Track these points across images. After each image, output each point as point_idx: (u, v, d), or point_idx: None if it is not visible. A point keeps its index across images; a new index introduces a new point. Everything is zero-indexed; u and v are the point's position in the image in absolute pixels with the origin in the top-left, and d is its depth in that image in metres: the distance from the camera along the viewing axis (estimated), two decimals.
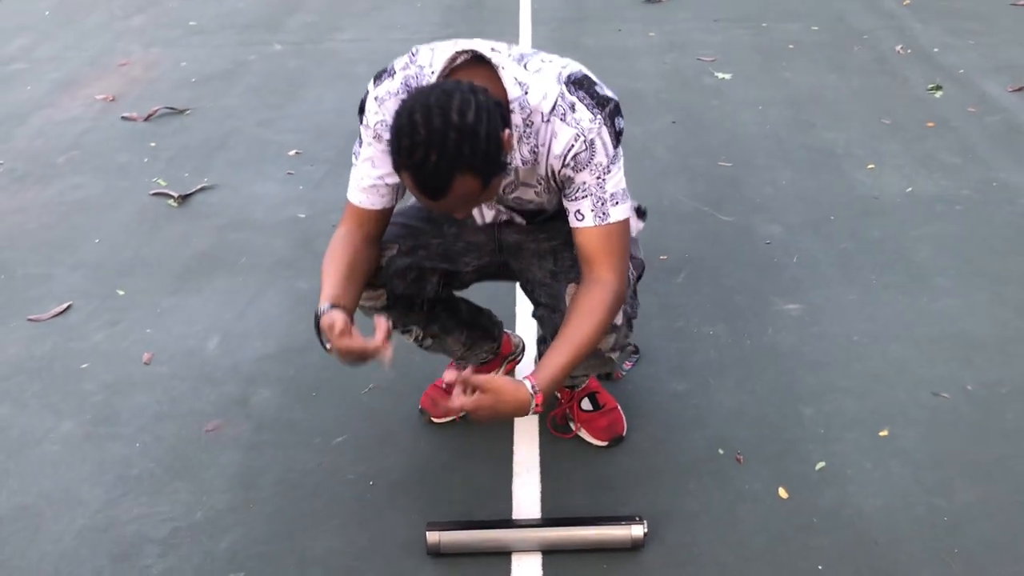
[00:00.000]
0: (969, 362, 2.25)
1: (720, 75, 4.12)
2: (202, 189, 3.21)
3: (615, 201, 1.56)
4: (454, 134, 1.30)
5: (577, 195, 1.56)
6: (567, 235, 1.65)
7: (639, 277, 1.80)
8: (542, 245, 1.76)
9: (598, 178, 1.54)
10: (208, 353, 2.37)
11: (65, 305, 2.57)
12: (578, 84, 1.51)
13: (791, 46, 4.46)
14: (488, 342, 2.09)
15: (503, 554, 1.75)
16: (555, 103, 1.49)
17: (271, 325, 2.48)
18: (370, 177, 1.64)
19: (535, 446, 2.03)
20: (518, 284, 1.93)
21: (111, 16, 5.05)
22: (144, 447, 2.05)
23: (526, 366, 2.24)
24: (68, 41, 4.67)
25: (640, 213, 1.87)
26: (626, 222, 1.59)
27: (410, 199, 1.79)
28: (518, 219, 1.75)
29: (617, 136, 1.54)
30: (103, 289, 2.65)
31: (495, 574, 1.72)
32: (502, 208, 1.72)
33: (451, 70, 1.49)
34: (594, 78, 1.55)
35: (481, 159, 1.34)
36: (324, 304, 1.56)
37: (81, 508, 1.89)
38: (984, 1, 5.07)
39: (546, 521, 1.83)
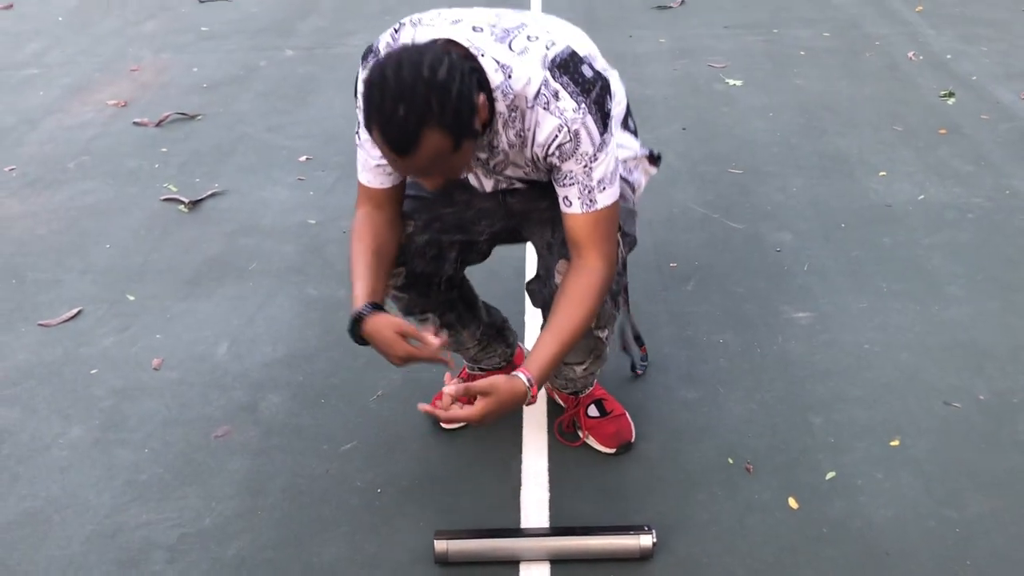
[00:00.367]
0: (981, 371, 2.23)
1: (731, 81, 4.11)
2: (212, 195, 3.21)
3: (603, 187, 1.54)
4: (423, 87, 1.29)
5: (565, 182, 1.55)
6: None
7: (629, 251, 1.78)
8: (544, 214, 1.74)
9: (585, 167, 1.52)
10: (217, 359, 2.37)
11: (75, 310, 2.58)
12: (563, 67, 1.47)
13: (802, 52, 4.45)
14: (502, 345, 2.09)
15: (511, 563, 1.74)
16: (539, 90, 1.46)
17: (280, 331, 2.48)
18: (372, 159, 1.64)
19: (543, 454, 2.02)
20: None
21: (124, 22, 5.07)
22: (153, 452, 2.05)
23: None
24: (80, 46, 4.69)
25: (653, 159, 1.87)
26: (614, 205, 1.58)
27: None
28: (519, 185, 1.73)
29: (604, 119, 1.51)
30: (113, 294, 2.66)
31: None
32: (501, 178, 1.70)
33: None
34: (582, 54, 1.50)
35: (451, 116, 1.32)
36: (364, 305, 1.59)
37: (89, 513, 1.89)
38: (997, 8, 5.05)
39: (554, 530, 1.82)
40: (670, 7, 5.15)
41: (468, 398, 1.54)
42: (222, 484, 1.96)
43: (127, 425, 2.14)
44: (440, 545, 1.73)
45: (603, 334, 1.81)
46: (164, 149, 3.57)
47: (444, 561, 1.73)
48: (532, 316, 2.45)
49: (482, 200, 1.78)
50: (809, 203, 3.07)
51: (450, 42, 1.44)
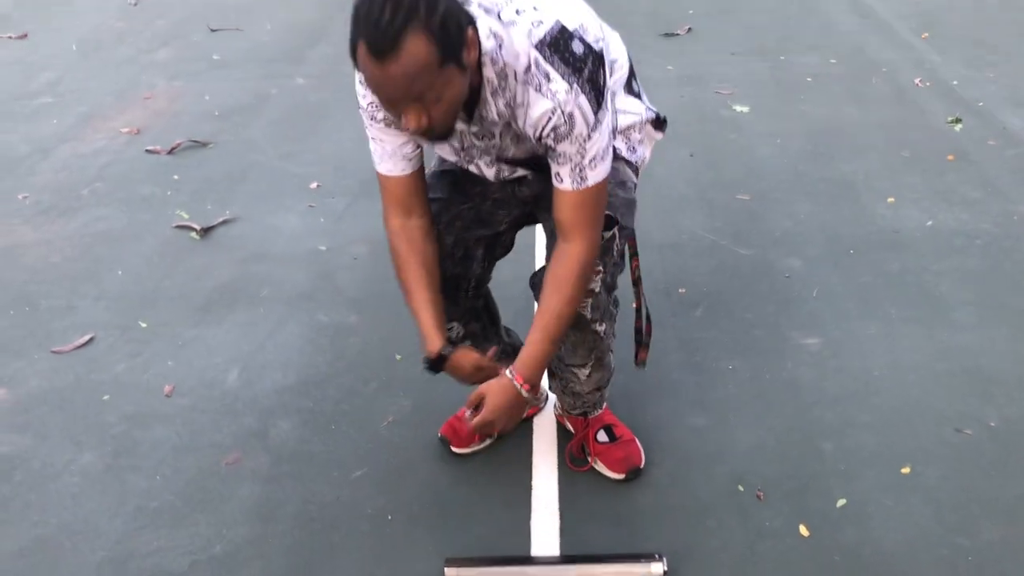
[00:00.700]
0: (991, 398, 2.23)
1: (738, 108, 4.13)
2: (224, 222, 3.24)
3: (594, 165, 1.53)
4: None
5: (559, 160, 1.54)
6: None
7: (626, 243, 1.79)
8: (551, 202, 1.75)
9: (579, 148, 1.51)
10: (228, 385, 2.38)
11: (87, 337, 2.60)
12: (553, 46, 1.45)
13: (809, 79, 4.48)
14: None
15: None
16: (529, 68, 1.45)
17: (291, 357, 2.49)
18: (386, 152, 1.66)
19: (554, 481, 2.02)
20: None
21: (136, 50, 5.13)
22: (164, 479, 2.06)
23: (547, 420, 2.24)
24: (94, 75, 4.75)
25: (658, 122, 1.86)
26: (604, 182, 1.57)
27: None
28: (521, 172, 1.71)
29: (599, 96, 1.48)
30: (125, 321, 2.67)
31: None
32: (503, 166, 1.69)
33: None
34: (572, 28, 1.46)
35: (438, 25, 1.29)
36: (444, 346, 1.70)
37: (101, 540, 1.90)
38: (1004, 34, 5.07)
39: (565, 558, 1.82)
40: (677, 34, 5.18)
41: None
42: (233, 511, 1.97)
43: (138, 452, 2.15)
44: (451, 572, 1.73)
45: (600, 328, 1.80)
46: (176, 176, 3.60)
47: None
48: None
49: (495, 191, 1.80)
50: (817, 229, 3.08)
51: None
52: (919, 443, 2.09)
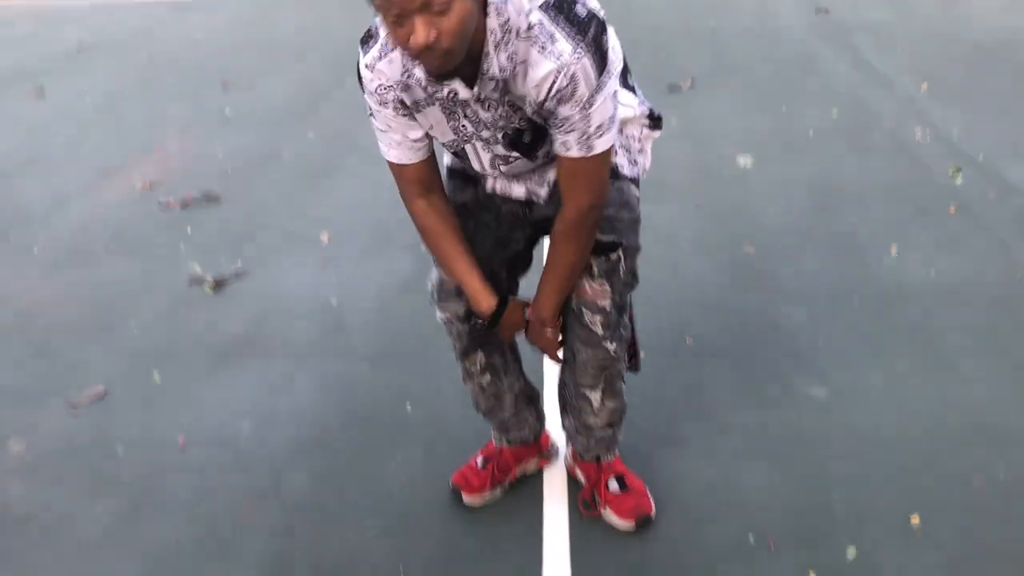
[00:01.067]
0: (999, 451, 2.24)
1: (742, 161, 4.20)
2: (236, 274, 3.29)
3: (600, 133, 1.53)
4: None
5: (564, 128, 1.53)
6: None
7: (635, 261, 1.83)
8: None
9: (582, 109, 1.49)
10: (241, 438, 2.41)
11: (102, 389, 2.63)
12: (558, 8, 1.45)
13: (811, 132, 4.55)
14: (533, 415, 2.14)
15: None
16: (532, 26, 1.45)
17: (303, 410, 2.52)
18: (395, 140, 1.65)
19: (565, 532, 2.04)
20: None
21: (151, 107, 5.23)
22: (178, 531, 2.08)
23: (558, 473, 2.26)
24: (109, 130, 4.84)
25: (654, 120, 1.88)
26: (609, 150, 1.58)
27: None
28: (514, 156, 1.68)
29: (603, 59, 1.47)
30: (140, 373, 2.71)
31: None
32: (500, 148, 1.66)
33: None
34: None
35: None
36: (497, 302, 1.76)
37: None
38: (999, 88, 5.16)
39: None
40: (680, 88, 5.28)
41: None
42: (246, 564, 1.98)
43: (153, 504, 2.17)
44: None
45: (611, 347, 1.85)
46: (189, 230, 3.66)
47: None
48: (553, 404, 2.49)
49: (508, 214, 1.84)
50: (823, 281, 3.11)
51: None
52: (928, 495, 2.10)
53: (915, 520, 2.02)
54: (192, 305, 3.10)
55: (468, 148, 1.68)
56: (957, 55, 5.85)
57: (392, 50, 1.53)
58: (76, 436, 2.43)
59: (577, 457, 2.14)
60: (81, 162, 4.41)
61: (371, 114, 1.64)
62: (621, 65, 1.67)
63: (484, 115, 1.58)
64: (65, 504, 2.18)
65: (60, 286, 3.26)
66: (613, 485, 2.07)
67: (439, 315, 1.92)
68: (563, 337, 1.91)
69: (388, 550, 2.00)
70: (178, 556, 2.01)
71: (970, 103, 4.90)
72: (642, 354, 2.09)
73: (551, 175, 1.75)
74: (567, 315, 1.86)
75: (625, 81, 1.81)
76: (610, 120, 1.53)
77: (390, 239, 3.54)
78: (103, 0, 8.47)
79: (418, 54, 1.37)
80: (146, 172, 4.26)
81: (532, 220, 1.85)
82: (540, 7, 1.45)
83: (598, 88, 1.48)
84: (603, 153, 1.56)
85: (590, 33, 1.45)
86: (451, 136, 1.65)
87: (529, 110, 1.55)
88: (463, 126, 1.62)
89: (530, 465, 2.21)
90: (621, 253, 1.76)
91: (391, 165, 1.71)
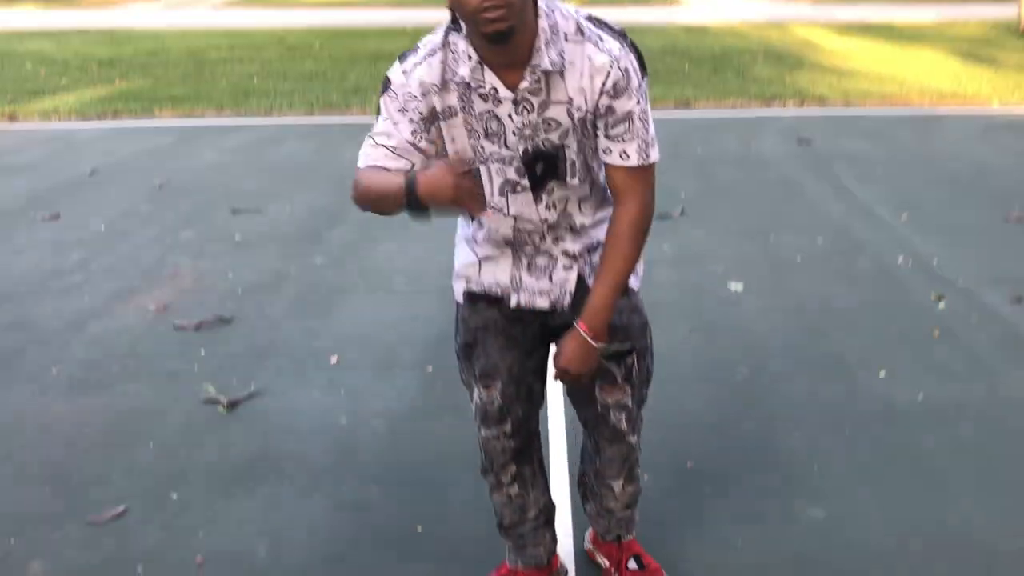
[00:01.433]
0: (992, 572, 2.33)
1: (733, 286, 4.38)
2: (249, 396, 3.40)
3: (654, 142, 1.75)
4: None
5: (624, 137, 1.71)
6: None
7: (650, 360, 2.08)
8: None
9: (638, 103, 1.69)
10: (257, 559, 2.47)
11: (121, 508, 2.70)
12: (596, 21, 1.71)
13: (798, 258, 4.76)
14: (549, 535, 2.26)
15: None
16: (580, 29, 1.66)
17: (317, 530, 2.59)
18: (385, 153, 1.74)
19: None
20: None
21: (162, 230, 5.42)
22: None
23: None
24: (122, 254, 5.01)
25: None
26: (655, 164, 1.78)
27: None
28: (523, 184, 1.79)
29: (641, 62, 1.72)
30: (157, 492, 2.79)
31: None
32: (512, 171, 1.78)
33: None
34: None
35: None
36: (408, 172, 1.65)
37: None
38: (976, 217, 5.42)
39: None
40: (671, 216, 5.51)
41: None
42: None
43: None
44: None
45: (633, 439, 2.08)
46: (203, 351, 3.78)
47: None
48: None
49: (532, 326, 1.99)
50: (816, 402, 3.24)
51: None
52: None
53: None
54: (207, 425, 3.20)
55: (481, 169, 1.79)
56: (934, 184, 6.15)
57: (434, 55, 1.69)
58: (96, 555, 2.49)
59: (598, 540, 2.33)
60: (95, 284, 4.56)
61: (378, 123, 1.75)
62: None
63: (515, 120, 1.70)
64: None
65: (77, 406, 3.35)
66: (632, 564, 2.25)
67: (483, 433, 2.06)
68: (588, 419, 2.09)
69: None
70: None
71: (948, 231, 5.14)
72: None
73: (571, 282, 1.92)
74: (593, 417, 2.05)
75: None
76: (655, 135, 1.76)
77: (397, 362, 3.66)
78: (113, 125, 8.80)
79: (479, 1, 1.50)
80: (159, 295, 4.41)
81: (553, 327, 2.00)
82: (582, 16, 1.70)
83: (643, 89, 1.71)
84: (655, 163, 1.77)
85: (628, 39, 1.72)
86: (468, 154, 1.78)
87: (576, 115, 1.70)
88: (482, 146, 1.76)
89: None
90: (635, 356, 1.97)
91: (360, 170, 1.77)
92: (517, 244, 1.91)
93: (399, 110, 1.72)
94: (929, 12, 20.94)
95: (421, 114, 1.72)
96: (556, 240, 1.90)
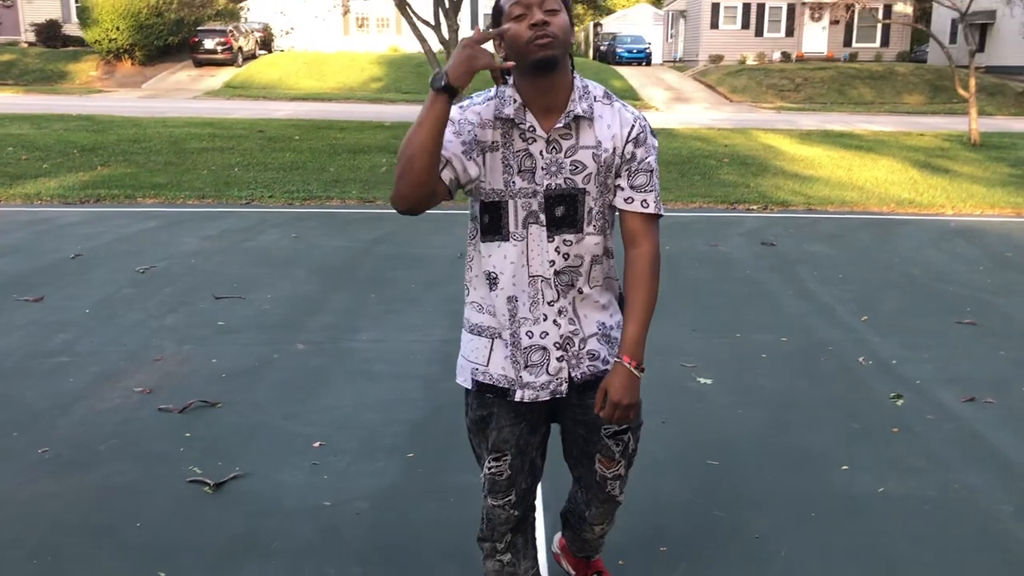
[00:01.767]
0: None
1: (702, 380, 4.57)
2: (234, 477, 3.48)
3: (660, 198, 2.11)
4: None
5: (646, 187, 2.08)
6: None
7: (638, 435, 2.33)
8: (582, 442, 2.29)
9: (655, 163, 2.09)
10: None
11: None
12: (609, 95, 2.12)
13: (764, 355, 4.96)
14: None
15: None
16: (608, 95, 2.10)
17: None
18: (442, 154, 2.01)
19: None
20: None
21: (146, 315, 5.53)
22: None
23: None
24: (107, 337, 5.11)
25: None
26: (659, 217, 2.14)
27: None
28: (543, 219, 2.07)
29: (653, 134, 2.12)
30: (145, 572, 2.85)
31: None
32: (535, 204, 2.06)
33: None
34: None
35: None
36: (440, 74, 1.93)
37: None
38: (931, 319, 5.69)
39: None
40: None
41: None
42: None
43: None
44: None
45: (621, 497, 2.37)
46: (188, 434, 3.87)
47: None
48: None
49: (536, 410, 2.22)
50: (781, 493, 3.39)
51: None
52: None
53: None
54: (194, 505, 3.27)
55: (509, 203, 2.07)
56: (892, 287, 6.44)
57: (487, 100, 2.07)
58: None
59: (567, 550, 2.65)
60: (81, 366, 4.64)
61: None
62: None
63: (545, 156, 2.05)
64: None
65: (64, 486, 3.41)
66: None
67: (490, 502, 2.25)
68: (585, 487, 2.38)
69: None
70: None
71: (906, 333, 5.39)
72: None
73: (565, 371, 2.16)
74: (590, 481, 2.32)
75: None
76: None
77: (379, 447, 3.77)
78: (96, 210, 8.95)
79: (532, 29, 1.92)
80: (144, 378, 4.50)
81: (552, 410, 2.27)
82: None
83: (656, 150, 2.11)
84: (662, 215, 2.13)
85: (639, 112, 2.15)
86: (499, 186, 2.07)
87: (603, 156, 2.06)
88: (513, 181, 2.06)
89: None
90: (630, 436, 2.27)
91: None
92: (517, 317, 2.14)
93: (454, 132, 2.03)
94: (888, 122, 21.90)
95: (474, 137, 2.04)
96: (560, 312, 2.13)
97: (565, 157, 2.05)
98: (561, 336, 2.14)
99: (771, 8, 37.76)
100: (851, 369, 4.77)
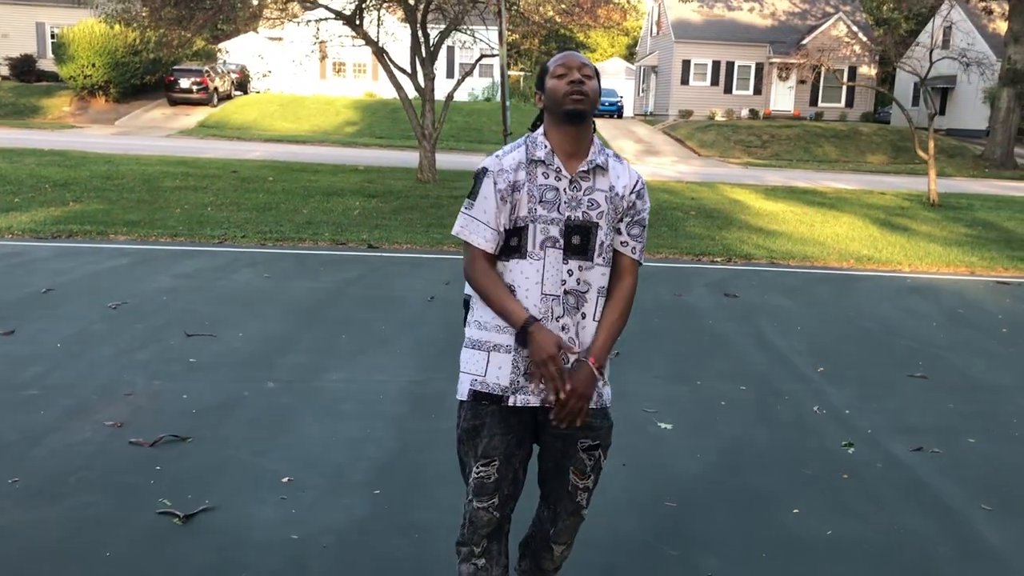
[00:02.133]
0: None
1: (663, 425, 4.71)
2: (204, 510, 3.56)
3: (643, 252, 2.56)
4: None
5: (639, 238, 2.52)
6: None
7: (606, 453, 2.63)
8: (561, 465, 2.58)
9: (647, 219, 2.54)
10: None
11: None
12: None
13: (723, 403, 5.13)
14: None
15: None
16: (618, 156, 2.56)
17: None
18: (483, 229, 2.43)
19: None
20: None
21: (117, 350, 5.59)
22: None
23: None
24: (78, 371, 5.16)
25: None
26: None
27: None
28: (560, 244, 2.45)
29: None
30: None
31: None
32: (554, 231, 2.43)
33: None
34: None
35: (594, 69, 2.50)
36: (530, 317, 2.40)
37: None
38: (884, 372, 5.90)
39: None
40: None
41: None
42: None
43: None
44: None
45: (586, 512, 2.62)
46: (158, 467, 3.94)
47: None
48: None
49: (525, 423, 2.52)
50: (734, 533, 3.53)
51: None
52: None
53: None
54: (163, 536, 3.35)
55: (530, 227, 2.43)
56: (848, 340, 6.66)
57: (519, 147, 2.47)
58: None
59: None
60: (51, 399, 4.69)
61: (470, 207, 2.45)
62: None
63: (568, 193, 2.44)
64: None
65: (34, 515, 3.47)
66: None
67: (475, 504, 2.48)
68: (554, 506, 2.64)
69: None
70: None
71: (859, 384, 5.59)
72: None
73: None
74: (560, 494, 2.58)
75: None
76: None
77: (346, 483, 3.87)
78: (68, 246, 8.99)
79: (570, 86, 2.40)
80: (115, 412, 4.56)
81: (538, 424, 2.56)
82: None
83: (649, 208, 2.57)
84: (641, 264, 2.57)
85: None
86: (524, 213, 2.44)
87: (614, 199, 2.48)
88: (536, 209, 2.43)
89: None
90: (601, 452, 2.56)
91: (470, 246, 2.45)
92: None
93: (492, 183, 2.43)
94: (851, 181, 22.46)
95: (509, 183, 2.43)
96: (563, 329, 2.45)
97: (583, 195, 2.46)
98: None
99: (740, 67, 38.72)
100: (805, 417, 4.95)
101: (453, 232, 2.50)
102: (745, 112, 37.59)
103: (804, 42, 36.80)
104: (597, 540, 3.41)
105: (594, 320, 2.48)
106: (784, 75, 38.67)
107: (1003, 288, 9.27)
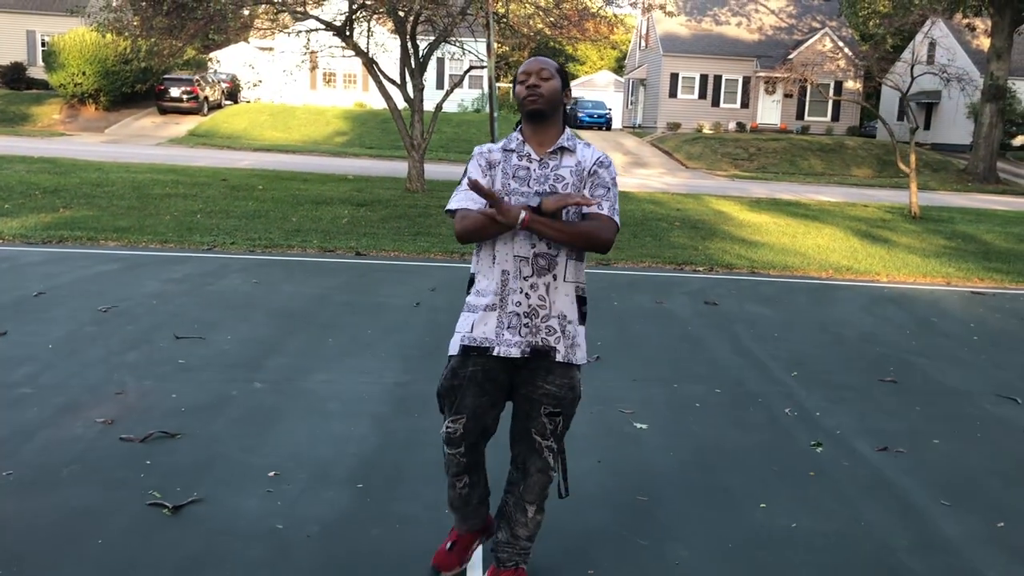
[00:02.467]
0: None
1: (638, 425, 4.86)
2: (192, 501, 3.69)
3: (617, 209, 2.88)
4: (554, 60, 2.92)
5: (604, 198, 2.85)
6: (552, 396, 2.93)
7: (568, 423, 3.02)
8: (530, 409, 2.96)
9: (611, 176, 2.92)
10: None
11: None
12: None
13: (698, 404, 5.29)
14: (485, 508, 3.18)
15: None
16: (587, 143, 2.97)
17: None
18: (468, 194, 2.87)
19: None
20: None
21: (108, 351, 5.71)
22: None
23: None
24: (70, 371, 5.28)
25: (583, 316, 3.04)
26: (616, 224, 2.86)
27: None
28: (530, 206, 2.79)
29: (610, 162, 2.96)
30: None
31: None
32: (523, 199, 2.85)
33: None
34: None
35: (562, 71, 2.92)
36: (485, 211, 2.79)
37: None
38: (855, 376, 6.07)
39: None
40: (588, 361, 6.03)
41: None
42: None
43: None
44: None
45: (553, 473, 2.97)
46: (148, 461, 4.07)
47: None
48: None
49: (501, 381, 2.92)
50: (703, 526, 3.68)
51: None
52: None
53: None
54: (152, 526, 3.47)
55: (505, 199, 2.83)
56: (823, 346, 6.83)
57: (498, 146, 2.95)
58: None
59: (495, 572, 3.00)
60: (44, 397, 4.81)
61: (462, 179, 2.92)
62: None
63: (537, 172, 2.87)
64: None
65: (28, 506, 3.59)
66: None
67: (447, 451, 2.87)
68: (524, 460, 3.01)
69: None
70: None
71: (831, 388, 5.76)
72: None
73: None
74: (529, 453, 2.96)
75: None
76: (617, 207, 2.90)
77: (330, 477, 4.00)
78: (59, 251, 9.10)
79: (527, 90, 2.83)
80: (106, 410, 4.68)
81: (513, 383, 2.94)
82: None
83: (615, 181, 2.93)
84: (616, 222, 2.87)
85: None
86: (499, 187, 2.88)
87: (580, 172, 2.89)
88: (510, 183, 2.88)
89: (478, 543, 3.23)
90: (561, 419, 2.93)
91: (456, 211, 2.88)
92: (507, 287, 2.86)
93: (476, 162, 2.94)
94: (835, 193, 22.73)
95: (487, 160, 2.94)
96: (532, 287, 2.85)
97: (551, 172, 2.89)
98: (530, 307, 2.86)
99: (727, 80, 39.10)
100: (777, 419, 5.11)
101: (446, 208, 2.93)
102: (732, 125, 37.94)
103: (790, 56, 37.21)
104: (570, 530, 3.55)
105: (565, 281, 2.87)
106: (771, 89, 39.07)
107: (977, 298, 9.47)
